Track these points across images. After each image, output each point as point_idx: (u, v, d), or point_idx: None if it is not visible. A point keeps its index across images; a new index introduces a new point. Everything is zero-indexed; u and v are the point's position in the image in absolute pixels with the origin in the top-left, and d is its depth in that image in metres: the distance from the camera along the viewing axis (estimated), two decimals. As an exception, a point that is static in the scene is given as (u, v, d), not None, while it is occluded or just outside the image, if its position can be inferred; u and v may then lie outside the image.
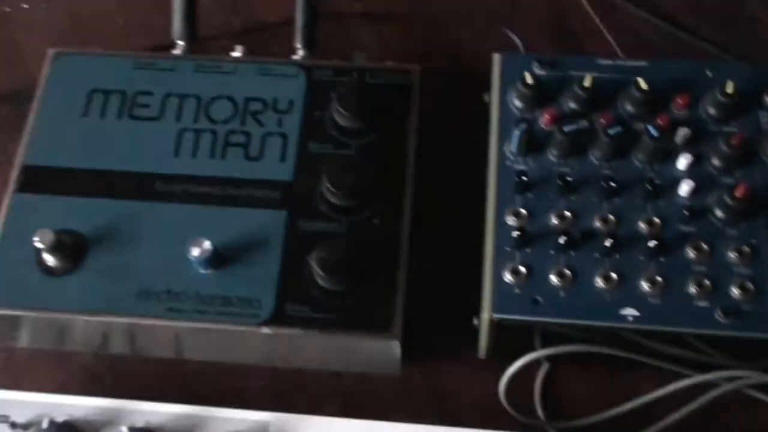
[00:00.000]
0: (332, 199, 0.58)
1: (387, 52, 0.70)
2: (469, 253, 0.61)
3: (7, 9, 0.75)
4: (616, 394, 0.58)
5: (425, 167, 0.61)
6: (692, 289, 0.52)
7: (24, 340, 0.60)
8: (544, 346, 0.58)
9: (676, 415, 0.56)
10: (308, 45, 0.65)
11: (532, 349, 0.58)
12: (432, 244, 0.62)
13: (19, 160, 0.61)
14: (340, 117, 0.61)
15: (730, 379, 0.56)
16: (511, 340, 0.57)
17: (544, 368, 0.59)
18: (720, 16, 0.71)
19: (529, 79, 0.56)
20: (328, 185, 0.58)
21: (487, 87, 0.63)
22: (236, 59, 0.65)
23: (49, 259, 0.57)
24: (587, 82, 0.56)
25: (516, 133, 0.54)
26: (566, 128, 0.54)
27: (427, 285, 0.60)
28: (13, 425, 0.54)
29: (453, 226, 0.63)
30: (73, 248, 0.58)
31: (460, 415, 0.58)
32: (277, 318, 0.55)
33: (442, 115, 0.66)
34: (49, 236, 0.56)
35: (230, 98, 0.63)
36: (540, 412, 0.58)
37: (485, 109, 0.64)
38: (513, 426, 0.57)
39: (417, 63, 0.64)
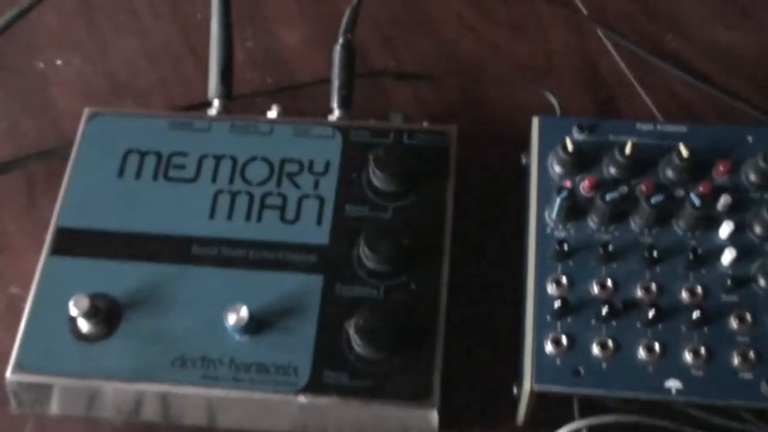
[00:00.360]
0: (369, 264, 0.58)
1: (423, 111, 0.70)
2: (507, 318, 0.60)
3: (41, 65, 0.76)
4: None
5: (462, 229, 0.61)
6: (736, 361, 0.51)
7: (54, 407, 0.59)
8: (582, 413, 0.57)
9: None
10: (344, 105, 0.65)
11: (571, 416, 0.57)
12: (469, 309, 0.61)
13: (53, 222, 0.61)
14: (377, 179, 0.61)
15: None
16: (550, 407, 0.56)
17: (584, 436, 0.58)
18: (757, 76, 0.70)
19: (569, 146, 0.55)
20: (365, 249, 0.57)
21: (523, 147, 0.63)
22: (272, 120, 0.65)
23: (84, 325, 0.57)
24: (628, 150, 0.55)
25: (557, 201, 0.54)
26: (608, 197, 0.53)
27: (465, 351, 0.59)
28: (47, 494, 0.54)
29: (491, 290, 0.62)
30: (107, 314, 0.57)
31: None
32: (314, 386, 0.55)
33: (478, 176, 0.66)
34: (85, 302, 0.56)
35: (266, 159, 0.63)
36: (581, 482, 0.57)
37: (522, 169, 0.64)
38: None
39: (453, 122, 0.64)
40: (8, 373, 0.56)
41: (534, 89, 0.69)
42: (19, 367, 0.56)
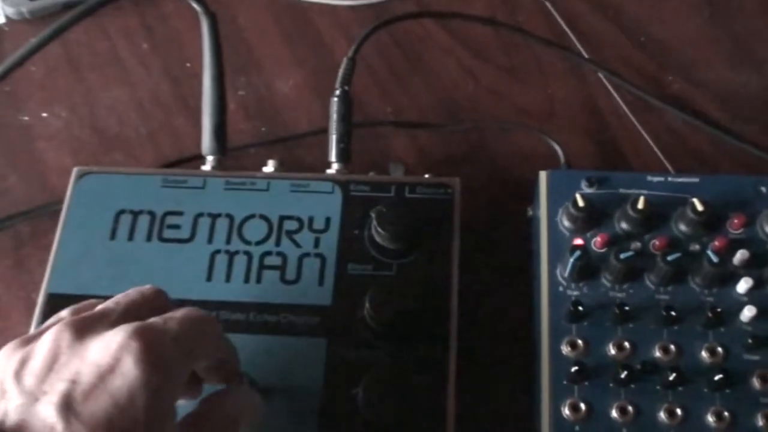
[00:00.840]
0: (375, 327, 0.56)
1: (423, 160, 0.68)
2: (518, 381, 0.58)
3: (26, 118, 0.73)
4: None
5: (469, 282, 0.59)
6: (760, 423, 0.50)
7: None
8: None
9: None
10: (343, 159, 0.63)
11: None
12: (480, 372, 0.59)
13: (43, 288, 0.59)
14: (380, 237, 0.58)
15: None
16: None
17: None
18: (763, 118, 0.69)
19: (580, 202, 0.54)
20: (371, 313, 0.55)
21: (526, 194, 0.62)
22: (269, 175, 0.63)
23: (80, 397, 0.55)
24: (641, 204, 0.54)
25: (570, 261, 0.52)
26: (622, 256, 0.52)
27: (476, 416, 0.57)
28: None
29: (500, 350, 0.60)
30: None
31: None
32: (321, 454, 0.53)
33: (482, 226, 0.64)
34: (80, 374, 0.53)
35: (264, 217, 0.61)
36: None
37: (527, 221, 0.62)
38: None
39: (453, 171, 0.62)
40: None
41: (536, 135, 0.68)
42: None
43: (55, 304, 0.58)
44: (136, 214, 0.61)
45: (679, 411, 0.50)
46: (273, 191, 0.62)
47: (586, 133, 0.69)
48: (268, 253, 0.60)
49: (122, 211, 0.62)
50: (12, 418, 0.39)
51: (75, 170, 0.63)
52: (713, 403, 0.50)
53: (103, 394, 0.40)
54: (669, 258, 0.52)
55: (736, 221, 0.54)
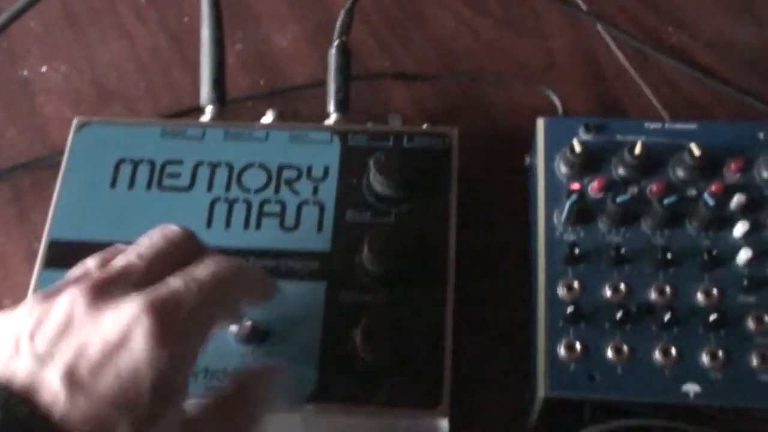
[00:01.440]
0: (373, 271, 0.56)
1: (422, 112, 0.68)
2: (515, 322, 0.59)
3: (25, 72, 0.74)
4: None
5: (466, 231, 0.59)
6: (755, 362, 0.50)
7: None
8: (594, 418, 0.55)
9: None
10: (341, 109, 0.64)
11: (581, 421, 0.56)
12: (477, 315, 0.60)
13: (45, 235, 0.59)
14: (379, 184, 0.59)
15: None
16: (562, 413, 0.55)
17: (597, 442, 0.57)
18: (762, 70, 0.69)
19: (577, 147, 0.54)
20: (369, 255, 0.56)
21: (525, 146, 0.62)
22: (268, 125, 0.63)
23: (81, 340, 0.55)
24: (638, 150, 0.54)
25: (567, 204, 0.52)
26: (618, 199, 0.52)
27: (473, 357, 0.58)
28: None
29: (497, 294, 0.61)
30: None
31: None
32: (320, 395, 0.53)
33: (479, 176, 0.64)
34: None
35: (263, 166, 0.61)
36: (594, 489, 0.56)
37: (524, 170, 0.62)
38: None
39: (452, 122, 0.62)
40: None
41: (535, 87, 0.68)
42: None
43: (56, 250, 0.59)
44: (136, 163, 0.62)
45: (673, 350, 0.50)
46: (272, 141, 0.62)
47: (585, 85, 0.69)
48: (267, 201, 0.60)
49: (122, 161, 0.62)
50: (21, 377, 0.39)
51: (75, 120, 0.64)
52: (708, 343, 0.50)
53: (110, 370, 0.39)
54: (665, 201, 0.52)
55: (733, 166, 0.54)
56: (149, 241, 0.46)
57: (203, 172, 0.61)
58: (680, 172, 0.55)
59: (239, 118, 0.66)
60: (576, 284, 0.52)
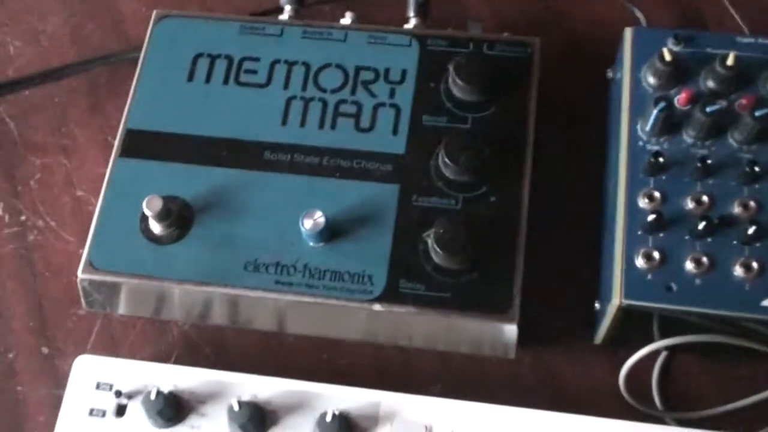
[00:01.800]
0: (448, 174, 0.56)
1: (500, 23, 0.67)
2: (587, 235, 0.58)
3: (104, -30, 0.74)
4: (739, 387, 0.55)
5: (543, 144, 0.59)
6: (839, 281, 0.49)
7: (123, 307, 0.58)
8: (663, 333, 0.55)
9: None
10: (421, 14, 0.63)
11: (648, 335, 0.55)
12: (549, 225, 0.59)
13: (122, 124, 0.60)
14: (458, 89, 0.58)
15: None
16: (631, 326, 0.54)
17: (663, 357, 0.56)
18: None
19: (667, 56, 0.53)
20: (445, 159, 0.55)
21: (606, 61, 0.61)
22: (347, 26, 0.63)
23: (156, 227, 0.56)
24: (730, 61, 0.52)
25: (653, 112, 0.51)
26: (708, 109, 0.51)
27: (543, 266, 0.58)
28: (118, 393, 0.53)
29: (571, 207, 0.60)
30: (179, 216, 0.56)
31: (574, 402, 0.55)
32: (389, 295, 0.54)
33: (559, 90, 0.63)
34: (158, 203, 0.54)
35: (341, 66, 0.61)
36: (658, 402, 0.55)
37: (605, 84, 0.61)
38: (629, 415, 0.54)
39: (530, 35, 0.61)
40: (79, 272, 0.55)
41: (618, 2, 0.66)
42: (90, 265, 0.55)
43: (132, 139, 0.59)
44: (213, 58, 0.62)
45: (755, 264, 0.49)
46: (350, 42, 0.62)
47: (670, 3, 0.67)
48: (344, 101, 0.60)
49: (200, 55, 0.62)
50: None
51: (155, 13, 0.64)
52: (791, 260, 0.50)
53: None
54: (757, 113, 0.51)
55: (828, 83, 0.53)
56: None
57: (280, 70, 0.61)
58: (772, 87, 0.53)
59: (317, 20, 0.66)
60: (657, 194, 0.51)
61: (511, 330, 0.53)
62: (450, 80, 0.59)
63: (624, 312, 0.51)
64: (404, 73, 0.60)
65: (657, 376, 0.56)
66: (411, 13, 0.63)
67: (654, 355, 0.56)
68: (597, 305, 0.54)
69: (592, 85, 0.62)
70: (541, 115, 0.59)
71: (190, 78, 0.61)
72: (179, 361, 0.58)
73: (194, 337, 0.59)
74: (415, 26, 0.63)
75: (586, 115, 0.62)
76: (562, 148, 0.62)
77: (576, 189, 0.61)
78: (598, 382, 0.56)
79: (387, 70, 0.61)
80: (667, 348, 0.55)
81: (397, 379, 0.57)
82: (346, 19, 0.64)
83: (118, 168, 0.58)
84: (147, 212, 0.54)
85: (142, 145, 0.59)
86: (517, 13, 0.68)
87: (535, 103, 0.58)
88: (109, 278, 0.56)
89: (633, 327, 0.54)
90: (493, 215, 0.55)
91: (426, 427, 0.52)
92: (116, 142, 0.59)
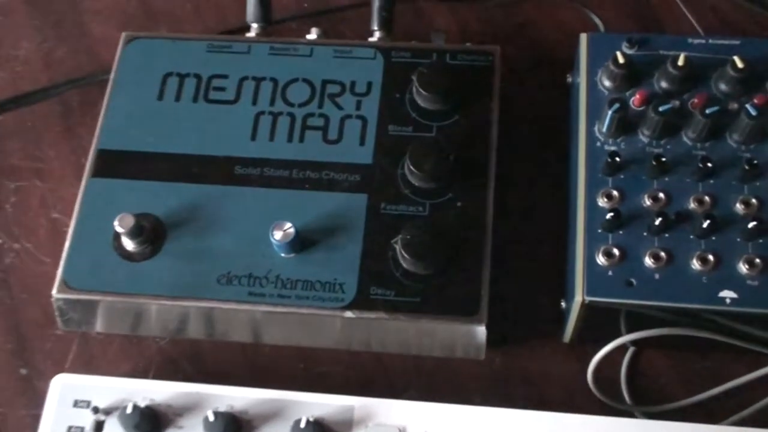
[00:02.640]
0: (414, 182, 0.57)
1: (463, 33, 0.69)
2: (552, 236, 0.60)
3: (75, -7, 0.75)
4: (705, 379, 0.57)
5: (506, 148, 0.60)
6: (792, 271, 0.51)
7: (100, 325, 0.59)
8: (628, 329, 0.56)
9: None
10: (385, 27, 0.64)
11: (615, 332, 0.56)
12: (514, 227, 0.61)
13: (94, 144, 0.61)
14: (421, 99, 0.60)
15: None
16: (597, 322, 0.55)
17: (630, 352, 0.58)
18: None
19: (620, 59, 0.54)
20: (411, 167, 0.57)
21: (567, 67, 0.62)
22: (312, 41, 0.64)
23: (129, 244, 0.57)
24: (681, 61, 0.54)
25: (608, 113, 0.53)
26: (661, 108, 0.52)
27: (510, 268, 0.59)
28: (95, 410, 0.54)
29: (535, 208, 0.62)
30: (152, 232, 0.57)
31: (544, 399, 0.57)
32: (360, 302, 0.55)
33: (522, 96, 0.65)
34: (130, 221, 0.55)
35: (307, 81, 0.62)
36: (627, 397, 0.56)
37: (565, 89, 0.63)
38: (599, 410, 0.55)
39: (493, 44, 0.63)
40: (54, 292, 0.56)
41: (576, 9, 0.68)
42: (65, 285, 0.56)
43: (104, 159, 0.60)
44: (182, 77, 0.63)
45: (711, 258, 0.51)
46: (316, 57, 0.63)
47: (626, 7, 0.69)
48: (311, 115, 0.61)
49: (169, 74, 0.63)
50: None
51: (123, 35, 0.65)
52: (746, 251, 0.51)
53: None
54: (708, 111, 0.52)
55: (775, 80, 0.55)
56: None
57: (248, 86, 0.62)
58: (722, 86, 0.55)
59: (284, 37, 0.67)
60: (615, 193, 0.53)
61: (480, 331, 0.54)
62: (414, 91, 0.60)
63: (588, 309, 0.52)
64: (370, 85, 0.62)
65: (625, 371, 0.57)
66: (375, 27, 0.65)
67: (622, 350, 0.57)
68: (563, 303, 0.55)
69: (553, 90, 0.64)
70: (505, 120, 0.60)
71: (160, 97, 0.62)
72: (157, 375, 0.59)
73: (171, 351, 0.60)
74: (380, 39, 0.65)
75: (549, 120, 0.64)
76: (526, 151, 0.64)
77: (541, 191, 0.62)
78: (568, 379, 0.57)
79: (353, 83, 0.62)
80: (634, 343, 0.57)
81: (373, 384, 0.58)
82: (312, 35, 0.65)
83: (90, 188, 0.60)
84: (119, 230, 0.55)
85: (114, 164, 0.60)
86: (481, 23, 0.70)
87: (498, 110, 0.60)
88: (84, 297, 0.56)
89: (600, 324, 0.55)
90: (459, 220, 0.56)
91: (400, 429, 0.52)
92: (88, 163, 0.60)
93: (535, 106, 0.65)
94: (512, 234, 0.60)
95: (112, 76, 0.63)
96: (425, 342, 0.58)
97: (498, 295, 0.56)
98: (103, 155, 0.61)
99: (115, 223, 0.55)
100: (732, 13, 0.69)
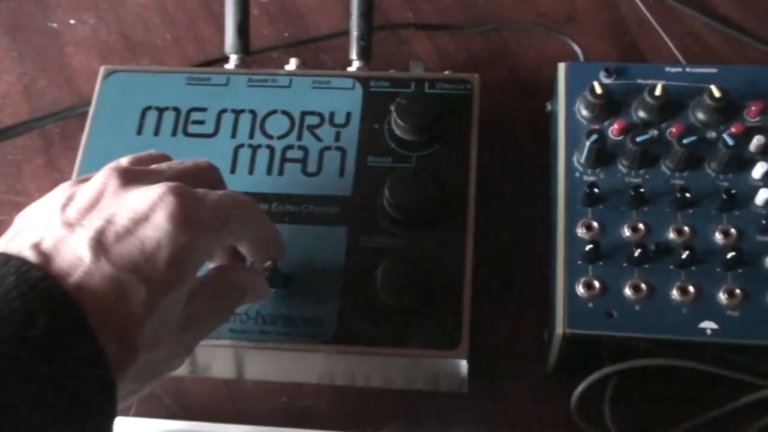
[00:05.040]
0: (394, 214, 0.57)
1: (444, 62, 0.69)
2: (533, 267, 0.59)
3: (54, 25, 0.75)
4: (689, 408, 0.56)
5: (486, 178, 0.60)
6: (772, 301, 0.50)
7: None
8: (611, 359, 0.56)
9: (753, 428, 0.54)
10: (364, 57, 0.64)
11: (599, 362, 0.56)
12: (495, 259, 0.60)
13: (73, 179, 0.60)
14: (400, 129, 0.60)
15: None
16: (580, 353, 0.55)
17: (614, 382, 0.57)
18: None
19: (598, 89, 0.54)
20: (390, 200, 0.56)
21: (547, 95, 0.62)
22: (291, 72, 0.64)
23: (108, 280, 0.56)
24: (658, 91, 0.54)
25: (587, 144, 0.53)
26: (638, 138, 0.52)
27: (492, 299, 0.59)
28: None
29: (516, 239, 0.62)
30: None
31: (529, 431, 0.56)
32: (341, 336, 0.54)
33: (500, 125, 0.65)
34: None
35: (286, 113, 0.62)
36: (611, 427, 0.56)
37: (545, 117, 0.63)
38: (583, 442, 0.55)
39: (473, 72, 0.62)
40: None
41: (556, 37, 0.68)
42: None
43: (84, 195, 0.60)
44: (161, 111, 0.63)
45: (691, 289, 0.51)
46: (295, 88, 0.63)
47: (606, 35, 0.69)
48: (290, 147, 0.61)
49: (148, 108, 0.63)
50: (48, 243, 0.41)
51: (102, 69, 0.65)
52: (725, 282, 0.51)
53: (134, 239, 0.41)
54: (685, 141, 0.52)
55: (753, 108, 0.54)
56: (181, 161, 0.50)
57: (227, 119, 0.62)
58: (700, 115, 0.55)
59: (263, 68, 0.67)
60: (595, 224, 0.53)
61: (462, 365, 0.54)
62: (392, 121, 0.60)
63: (569, 340, 0.52)
64: (349, 115, 0.62)
65: (609, 401, 0.57)
66: (354, 56, 0.64)
67: (605, 380, 0.57)
68: (545, 335, 0.55)
69: (533, 119, 0.64)
70: (485, 149, 0.60)
71: (139, 131, 0.62)
72: (139, 413, 0.58)
73: (154, 388, 0.60)
74: (359, 69, 0.64)
75: (530, 148, 0.64)
76: (506, 181, 0.64)
77: (522, 221, 0.62)
78: (552, 411, 0.57)
79: (332, 114, 0.62)
80: (618, 373, 0.56)
81: (357, 418, 0.57)
82: (291, 65, 0.65)
83: (70, 224, 0.59)
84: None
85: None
86: (461, 51, 0.70)
87: (477, 139, 0.60)
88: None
89: (583, 354, 0.55)
90: (440, 252, 0.56)
91: (382, 465, 0.52)
92: (67, 199, 0.60)
93: (516, 134, 0.65)
94: (494, 264, 0.60)
95: (91, 110, 0.63)
96: (408, 376, 0.57)
97: (481, 327, 0.56)
98: (82, 190, 0.60)
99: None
100: (711, 38, 0.69)
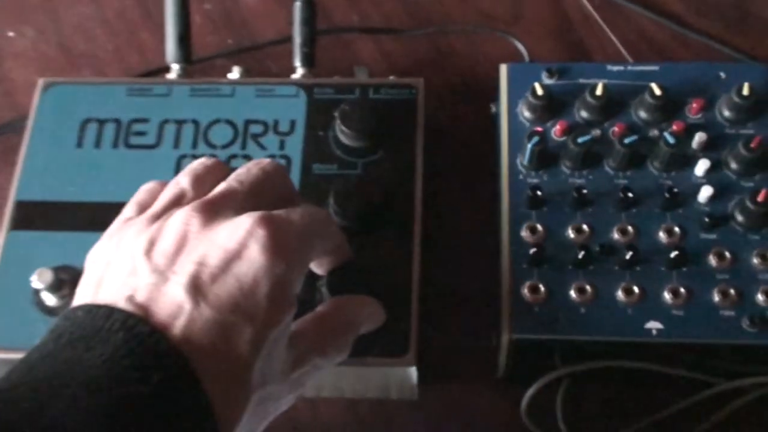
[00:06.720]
0: (340, 222, 0.56)
1: (389, 65, 0.68)
2: (481, 270, 0.59)
3: (-6, 38, 0.73)
4: (641, 408, 0.56)
5: (432, 182, 0.60)
6: (717, 299, 0.50)
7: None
8: (563, 360, 0.56)
9: (704, 425, 0.54)
10: (307, 63, 0.63)
11: (551, 364, 0.56)
12: (443, 264, 0.60)
13: (12, 196, 0.59)
14: (344, 136, 0.59)
15: (760, 385, 0.54)
16: (529, 357, 0.55)
17: (565, 384, 0.57)
18: (726, 14, 0.69)
19: (539, 90, 0.54)
20: (335, 207, 0.56)
21: (492, 97, 0.62)
22: (234, 81, 0.63)
23: (50, 299, 0.55)
24: (599, 90, 0.54)
25: (528, 147, 0.52)
26: (580, 139, 0.52)
27: (440, 306, 0.58)
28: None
29: (464, 243, 0.61)
30: (73, 286, 0.55)
31: (481, 437, 0.56)
32: (290, 347, 0.54)
33: (447, 128, 0.64)
34: (48, 275, 0.54)
35: (230, 122, 0.61)
36: (564, 429, 0.56)
37: (491, 119, 0.62)
38: (536, 446, 0.55)
39: (419, 75, 0.62)
40: (-26, 351, 0.55)
41: (501, 38, 0.68)
42: (-15, 344, 0.55)
43: (23, 211, 0.59)
44: (102, 123, 0.62)
45: (636, 289, 0.50)
46: (238, 96, 0.62)
47: (552, 34, 0.69)
48: (234, 156, 0.60)
49: (88, 120, 0.62)
50: (142, 293, 0.39)
51: (40, 81, 0.63)
52: (670, 281, 0.51)
53: (230, 278, 0.40)
54: (626, 140, 0.52)
55: (694, 105, 0.54)
56: (247, 170, 0.47)
57: (170, 129, 0.61)
58: (642, 113, 0.55)
59: (207, 77, 0.66)
60: (539, 227, 0.53)
61: (411, 372, 0.53)
62: (337, 128, 0.59)
63: (516, 345, 0.51)
64: (293, 123, 0.61)
65: (560, 404, 0.56)
66: (297, 63, 0.64)
67: (558, 382, 0.56)
68: (493, 340, 0.55)
69: (480, 121, 0.64)
70: (432, 153, 0.60)
71: (79, 144, 0.61)
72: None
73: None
74: (303, 76, 0.64)
75: (476, 151, 0.63)
76: (454, 184, 0.63)
77: (469, 225, 0.62)
78: (503, 415, 0.56)
79: (276, 122, 0.61)
80: (569, 375, 0.56)
81: (307, 429, 0.57)
82: (234, 74, 0.64)
83: (10, 242, 0.58)
84: (37, 285, 0.54)
85: (33, 216, 0.58)
86: (407, 55, 0.70)
87: (423, 143, 0.59)
88: (6, 356, 0.55)
89: (533, 358, 0.54)
90: (386, 258, 0.56)
91: (333, 478, 0.52)
92: (6, 216, 0.58)
93: (462, 137, 0.65)
94: (442, 269, 0.59)
95: (29, 124, 0.62)
96: (359, 385, 0.57)
97: (430, 333, 0.55)
98: (21, 207, 0.59)
99: (33, 278, 0.54)
100: (658, 35, 0.69)
